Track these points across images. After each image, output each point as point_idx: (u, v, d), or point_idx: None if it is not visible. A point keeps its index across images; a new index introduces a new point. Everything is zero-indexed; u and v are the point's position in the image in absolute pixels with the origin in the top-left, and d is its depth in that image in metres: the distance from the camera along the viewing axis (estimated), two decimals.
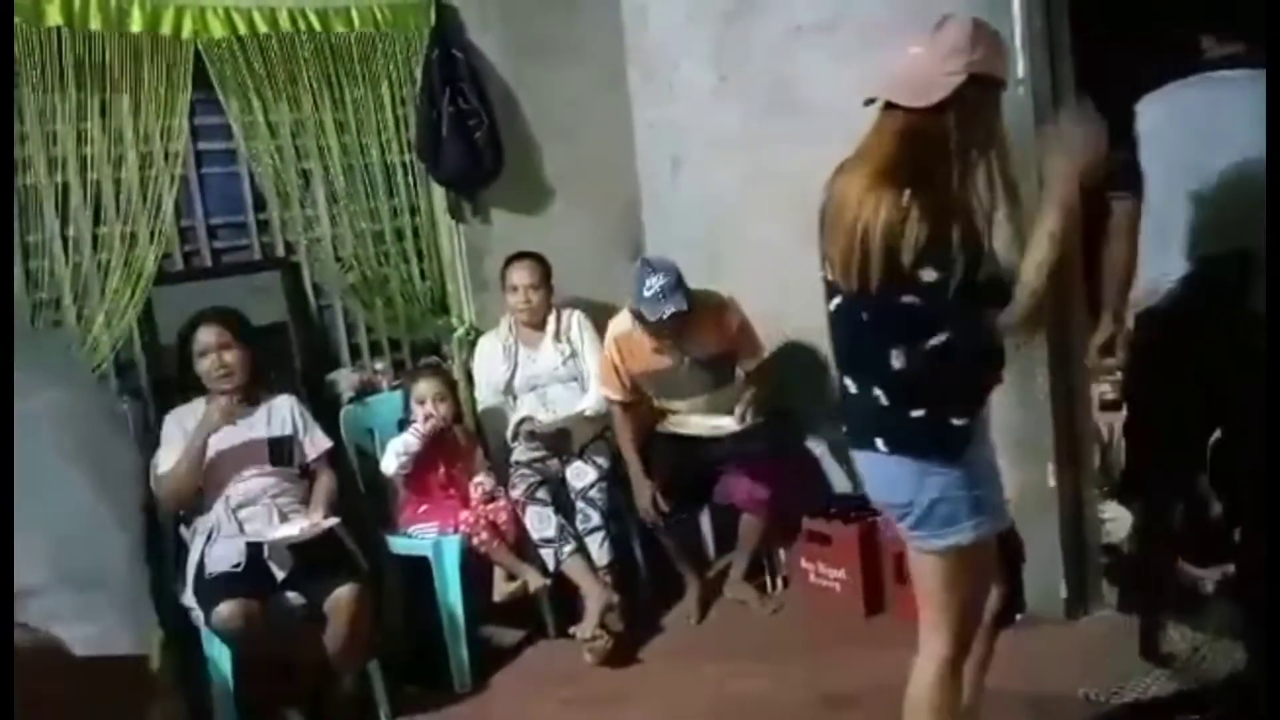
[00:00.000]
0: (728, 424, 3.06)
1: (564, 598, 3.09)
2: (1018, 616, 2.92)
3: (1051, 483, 2.84)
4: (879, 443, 1.79)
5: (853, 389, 1.84)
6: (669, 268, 2.96)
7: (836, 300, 1.86)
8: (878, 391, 1.78)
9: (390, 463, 3.02)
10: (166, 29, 2.88)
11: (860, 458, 1.88)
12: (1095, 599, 2.91)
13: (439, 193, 3.46)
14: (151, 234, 2.90)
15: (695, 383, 3.16)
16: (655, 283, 2.91)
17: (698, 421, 3.16)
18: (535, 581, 2.98)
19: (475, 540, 2.95)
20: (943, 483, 1.75)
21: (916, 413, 1.74)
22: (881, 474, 1.84)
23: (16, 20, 2.64)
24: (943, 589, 1.83)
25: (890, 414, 1.77)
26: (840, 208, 1.75)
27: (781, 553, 3.37)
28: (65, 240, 2.80)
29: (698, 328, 3.06)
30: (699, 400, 3.19)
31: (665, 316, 2.91)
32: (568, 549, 3.04)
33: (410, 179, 3.40)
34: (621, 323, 3.16)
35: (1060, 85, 2.75)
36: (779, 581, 3.40)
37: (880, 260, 1.65)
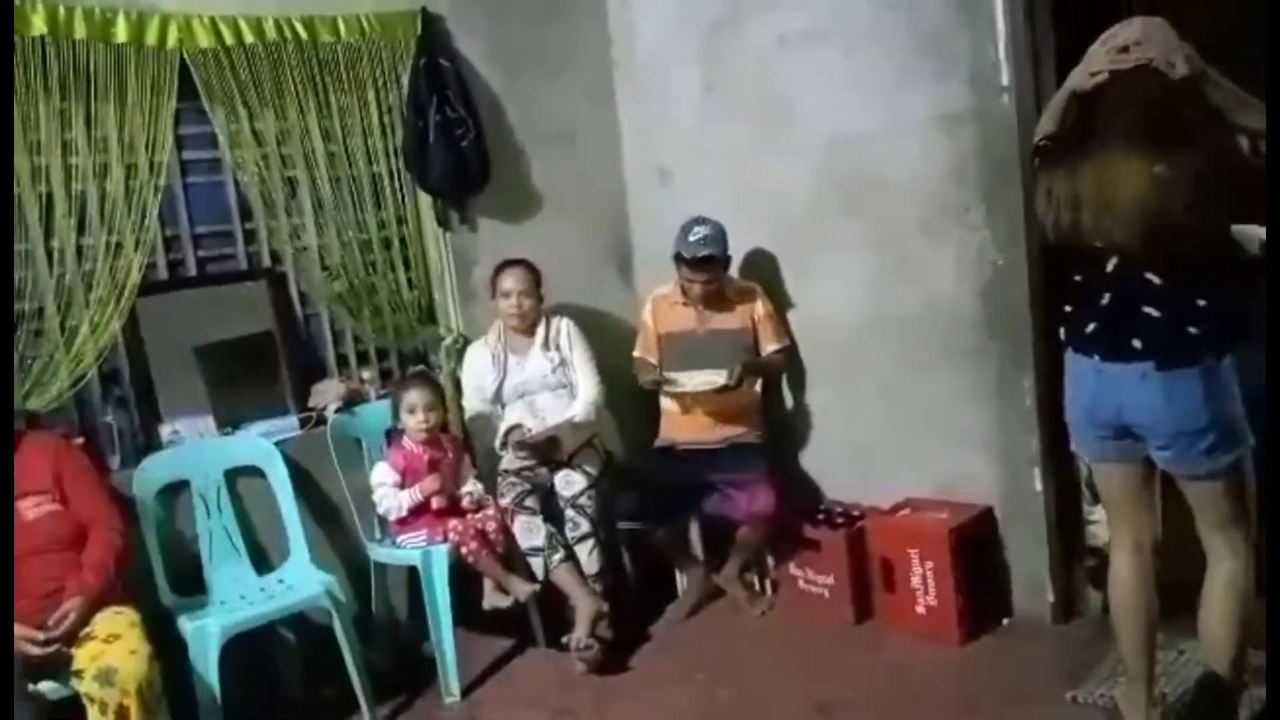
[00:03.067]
0: (719, 379, 3.18)
1: (553, 606, 3.08)
2: (1005, 621, 2.95)
3: (1038, 487, 2.86)
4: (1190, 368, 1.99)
5: (1160, 317, 2.02)
6: (716, 223, 3.26)
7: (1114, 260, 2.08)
8: (1193, 328, 1.99)
9: (382, 508, 3.04)
10: (152, 38, 2.86)
11: (1161, 388, 2.02)
12: (1082, 603, 2.93)
13: (426, 202, 3.45)
14: (136, 243, 2.87)
15: (707, 356, 3.25)
16: (702, 230, 3.23)
17: (691, 380, 3.27)
18: (523, 591, 2.97)
19: (464, 550, 2.94)
20: (1228, 401, 2.00)
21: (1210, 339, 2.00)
22: (1185, 395, 2.00)
23: None
24: (1237, 502, 2.08)
25: (1199, 342, 1.99)
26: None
27: (771, 559, 3.39)
28: (49, 250, 2.77)
29: (723, 301, 3.33)
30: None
31: (700, 256, 3.20)
32: (557, 557, 3.04)
33: (397, 188, 3.39)
34: (661, 287, 3.45)
35: (1044, 93, 2.77)
36: (768, 585, 3.42)
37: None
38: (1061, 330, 2.25)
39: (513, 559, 3.04)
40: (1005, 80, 2.75)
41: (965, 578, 2.87)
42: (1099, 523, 3.06)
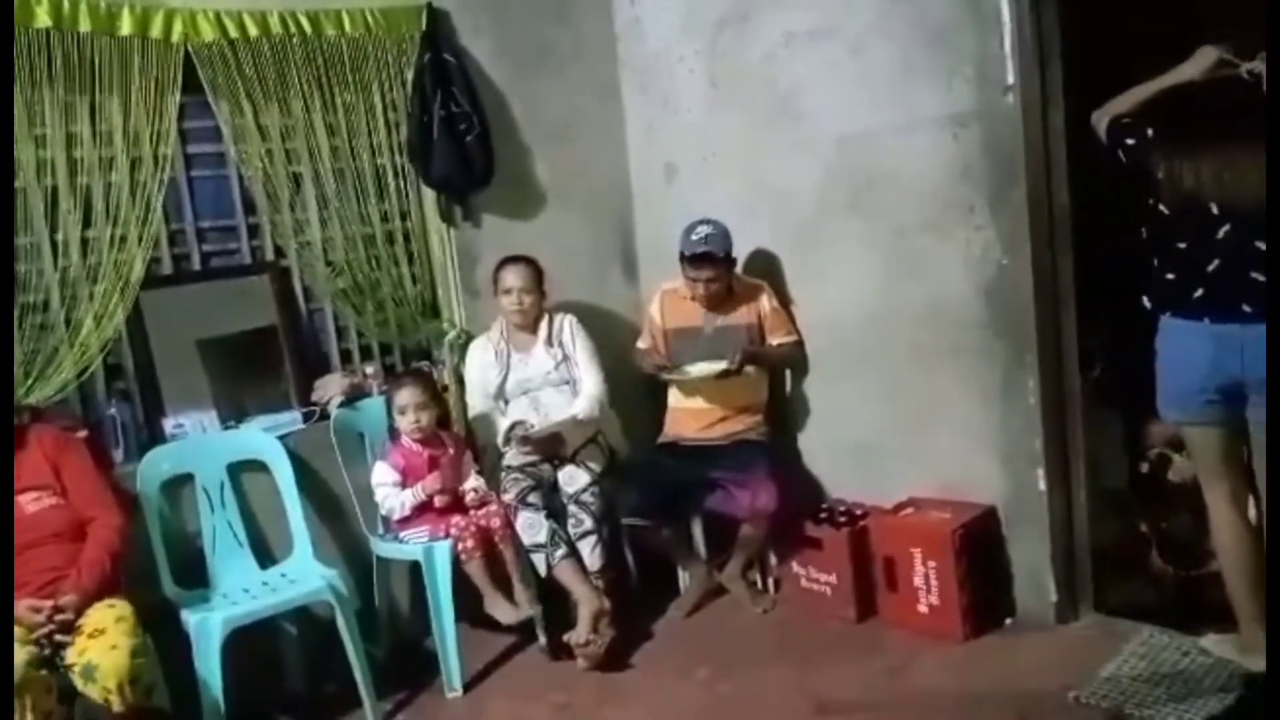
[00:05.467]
0: (718, 367, 3.19)
1: (554, 603, 3.08)
2: (1008, 620, 2.95)
3: (1041, 486, 2.85)
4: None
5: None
6: (719, 223, 3.26)
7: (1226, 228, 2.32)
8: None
9: (384, 508, 3.05)
10: (156, 32, 2.86)
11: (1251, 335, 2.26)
12: (1085, 603, 2.92)
13: (430, 197, 3.45)
14: (140, 237, 2.88)
15: (713, 351, 3.25)
16: (704, 230, 3.23)
17: (691, 369, 3.26)
18: (509, 616, 2.98)
19: (459, 548, 2.94)
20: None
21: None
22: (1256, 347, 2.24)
23: None
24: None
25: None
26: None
27: (774, 557, 3.38)
28: (54, 243, 2.78)
29: (730, 300, 3.33)
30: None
31: (699, 252, 3.20)
32: (559, 554, 3.03)
33: (401, 183, 3.39)
34: (670, 281, 3.44)
35: (1049, 91, 2.77)
36: (771, 583, 3.41)
37: None
38: (1148, 298, 2.46)
39: (513, 565, 3.04)
40: (1010, 79, 2.74)
41: (968, 577, 2.86)
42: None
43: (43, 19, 2.68)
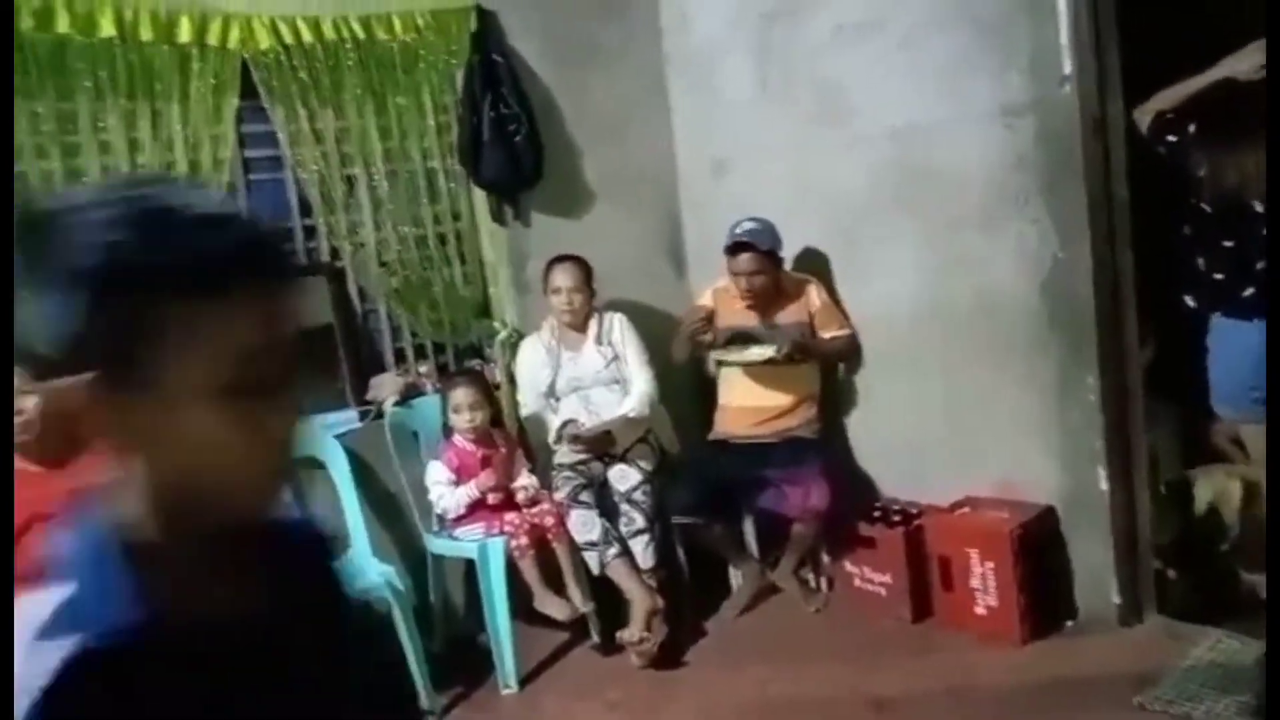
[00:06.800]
0: (769, 352, 3.18)
1: (607, 599, 3.09)
2: (1068, 623, 2.89)
3: (1103, 485, 2.80)
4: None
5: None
6: (764, 220, 3.26)
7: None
8: None
9: (439, 506, 3.08)
10: (214, 39, 2.92)
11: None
12: (1149, 605, 2.85)
13: (481, 197, 3.48)
14: None
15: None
16: (747, 224, 3.23)
17: (741, 353, 3.27)
18: (561, 611, 2.99)
19: (512, 545, 2.96)
20: None
21: None
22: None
23: (70, 31, 2.70)
24: None
25: None
26: None
27: (826, 555, 3.36)
28: None
29: (780, 297, 3.32)
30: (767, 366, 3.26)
31: (738, 240, 3.20)
32: (612, 552, 3.05)
33: (452, 184, 3.43)
34: (722, 279, 3.40)
35: (1107, 82, 2.70)
36: (823, 582, 3.39)
37: None
38: (1194, 298, 2.48)
39: (565, 563, 3.05)
40: (1067, 69, 2.68)
41: (1027, 578, 2.81)
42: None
43: (106, 28, 2.75)
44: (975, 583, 2.89)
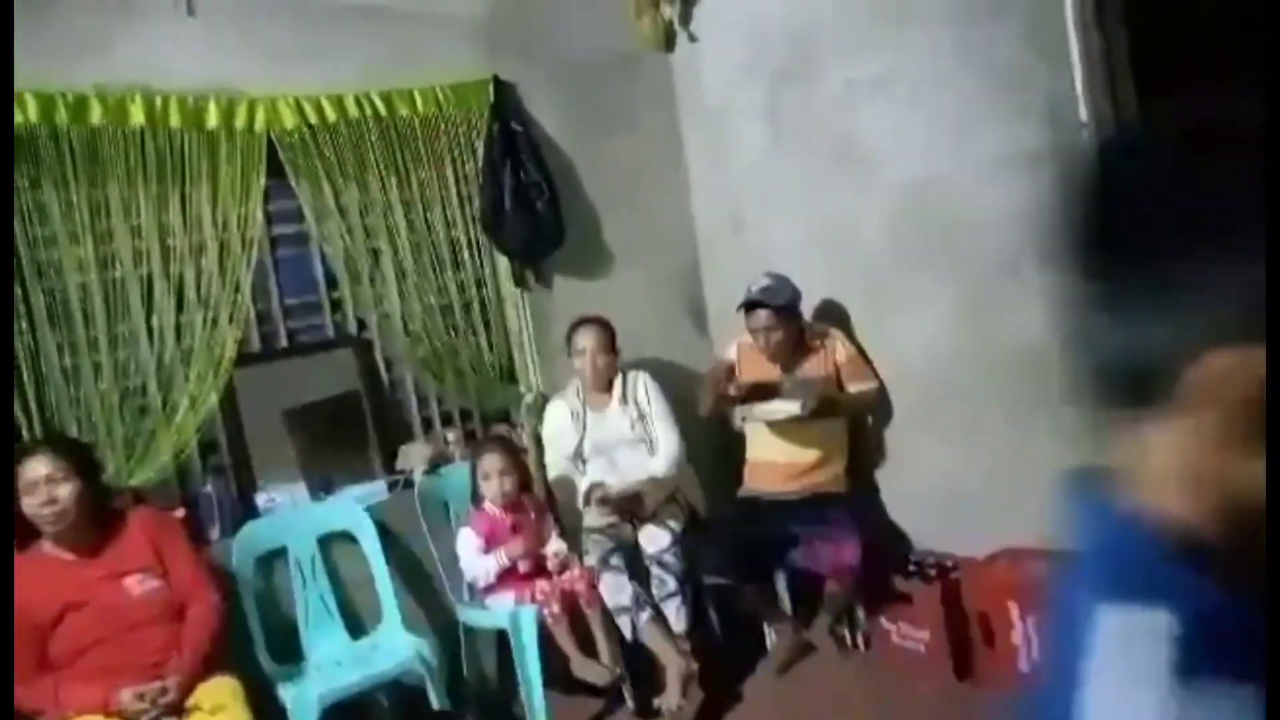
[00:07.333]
0: (794, 409, 3.14)
1: (641, 663, 3.05)
2: None
3: None
4: None
5: None
6: (781, 275, 3.28)
7: None
8: None
9: (469, 575, 3.06)
10: (241, 122, 3.00)
11: None
12: None
13: (503, 263, 3.52)
14: (231, 317, 2.99)
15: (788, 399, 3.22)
16: (762, 281, 3.25)
17: (764, 409, 3.24)
18: (599, 676, 2.94)
19: (545, 613, 2.93)
20: None
21: None
22: None
23: (102, 122, 2.78)
24: None
25: None
26: None
27: (862, 612, 3.30)
28: (149, 328, 2.90)
29: (803, 349, 3.32)
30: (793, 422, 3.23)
31: (752, 299, 3.21)
32: (644, 616, 3.01)
33: (475, 252, 3.47)
34: (745, 335, 3.41)
35: (1126, 126, 2.70)
36: (860, 640, 3.32)
37: None
38: None
39: (598, 627, 3.01)
40: (1084, 115, 2.69)
41: None
42: None
43: (136, 117, 2.83)
44: (1018, 639, 2.82)
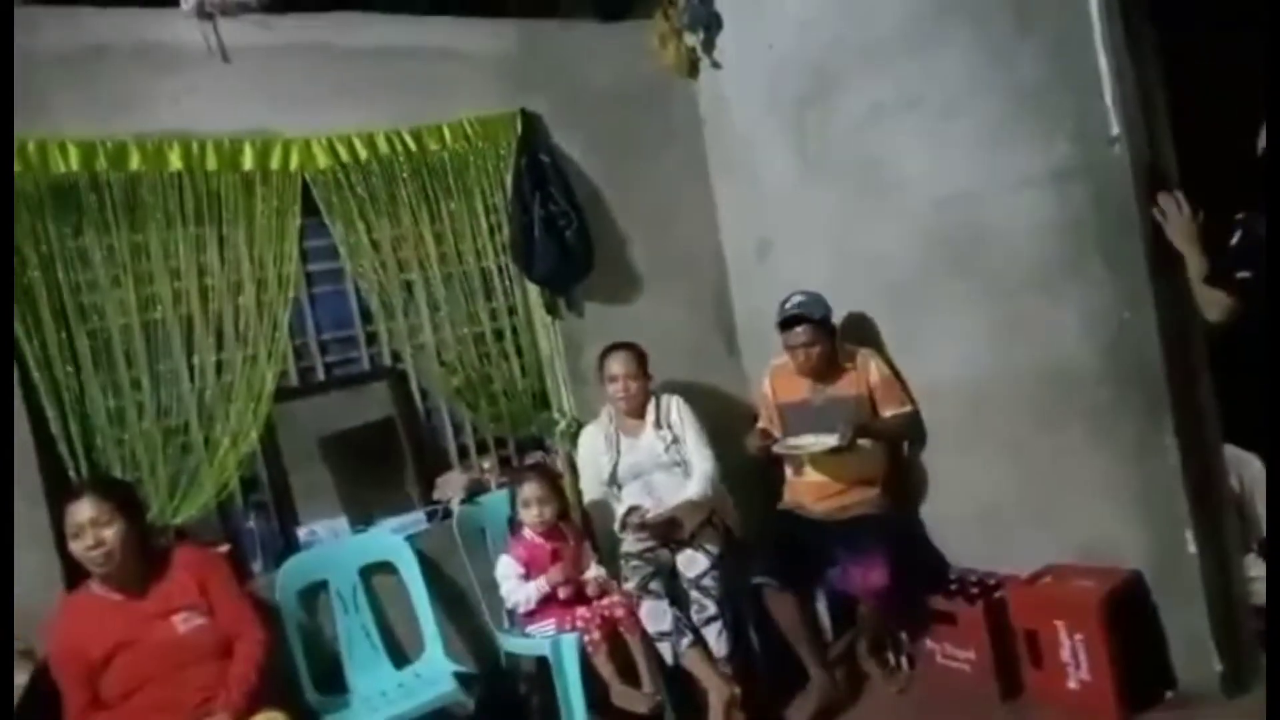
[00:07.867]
0: (831, 441, 3.09)
1: (682, 689, 3.03)
2: (1168, 694, 2.76)
3: (1192, 548, 2.69)
4: None
5: None
6: (813, 292, 3.28)
7: None
8: None
9: (510, 602, 3.06)
10: (275, 163, 3.06)
11: None
12: (1253, 672, 2.72)
13: (534, 291, 3.55)
14: (269, 354, 3.04)
15: (823, 422, 3.18)
16: (797, 298, 3.25)
17: (799, 441, 3.20)
18: (641, 705, 2.92)
19: (586, 640, 2.93)
20: None
21: None
22: None
23: (141, 168, 2.85)
24: None
25: None
26: None
27: (904, 633, 3.27)
28: (190, 368, 2.95)
29: (836, 370, 3.30)
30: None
31: (789, 315, 3.20)
32: (685, 641, 3.00)
33: (506, 281, 3.51)
34: (778, 357, 3.40)
35: (1157, 138, 2.68)
36: (904, 661, 3.29)
37: None
38: None
39: (639, 653, 3.00)
40: (1115, 130, 2.67)
41: (1120, 649, 2.70)
42: (1259, 579, 2.88)
43: (174, 163, 2.90)
44: (1065, 656, 2.78)
